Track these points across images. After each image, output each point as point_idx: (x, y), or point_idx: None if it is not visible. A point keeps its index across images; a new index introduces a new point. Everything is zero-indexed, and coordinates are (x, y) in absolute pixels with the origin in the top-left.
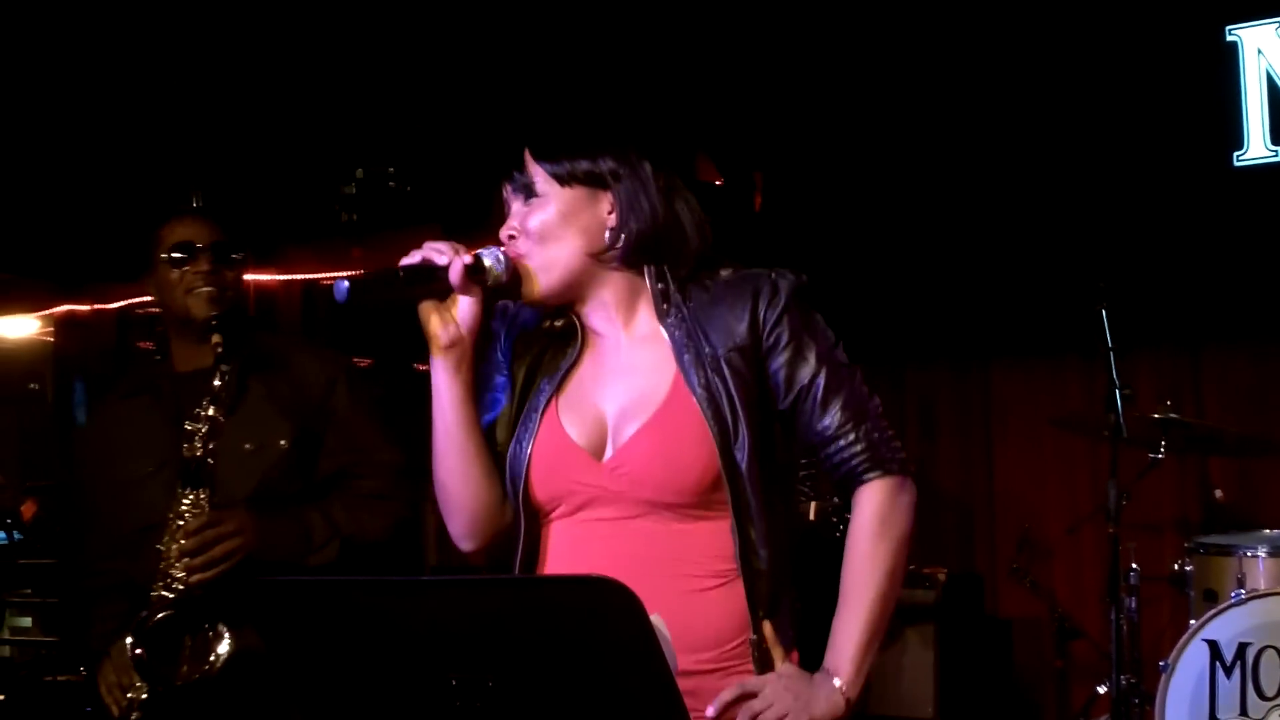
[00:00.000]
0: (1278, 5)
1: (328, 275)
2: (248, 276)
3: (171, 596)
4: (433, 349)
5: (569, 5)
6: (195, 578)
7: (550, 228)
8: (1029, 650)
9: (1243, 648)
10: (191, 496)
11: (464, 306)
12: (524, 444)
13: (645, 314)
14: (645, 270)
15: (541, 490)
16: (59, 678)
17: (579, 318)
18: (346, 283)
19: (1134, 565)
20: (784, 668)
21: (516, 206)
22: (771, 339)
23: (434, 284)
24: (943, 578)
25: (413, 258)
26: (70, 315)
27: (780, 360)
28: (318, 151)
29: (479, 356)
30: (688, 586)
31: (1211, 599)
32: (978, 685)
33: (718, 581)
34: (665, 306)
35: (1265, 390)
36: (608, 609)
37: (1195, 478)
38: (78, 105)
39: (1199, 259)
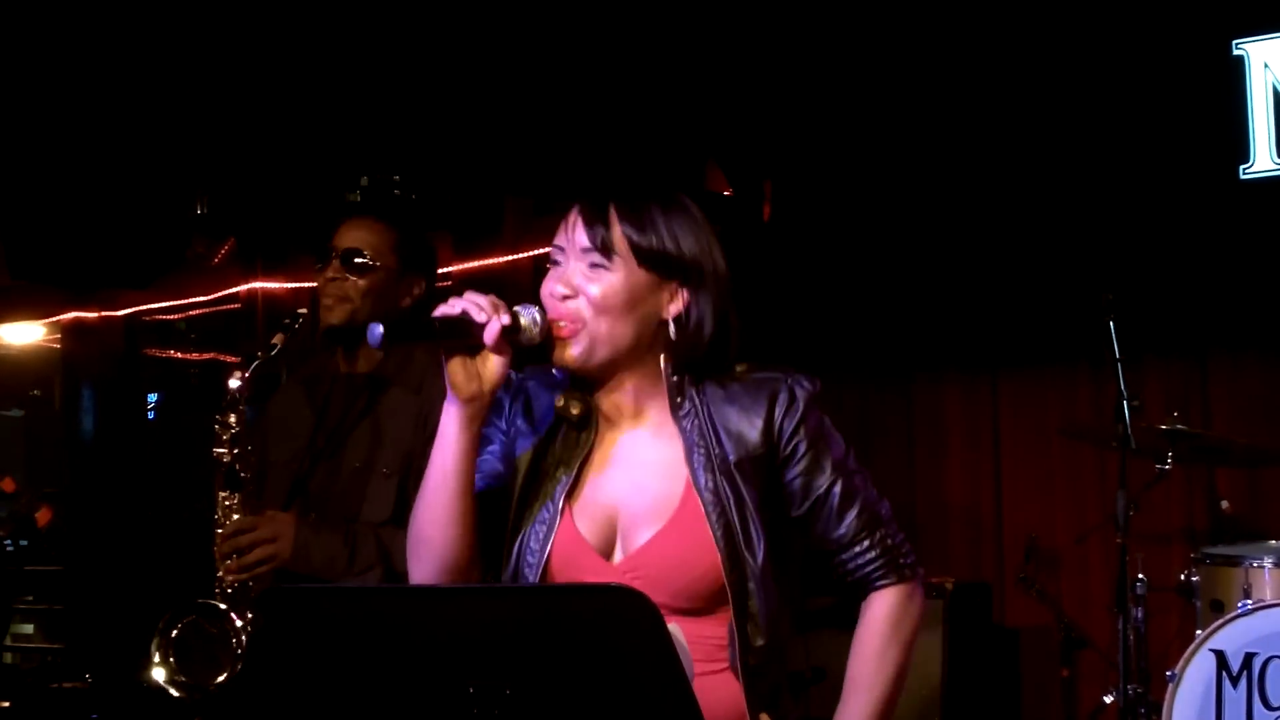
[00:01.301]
0: None
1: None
2: (255, 285)
3: (216, 599)
4: (452, 398)
5: (573, 13)
6: (231, 578)
7: (614, 305)
8: (1036, 659)
9: (1249, 658)
10: (230, 500)
11: (493, 364)
12: (541, 537)
13: (658, 406)
14: (662, 361)
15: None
16: (63, 684)
17: (594, 401)
18: (381, 328)
19: (1141, 575)
20: None
21: (579, 265)
22: (789, 449)
23: (467, 339)
24: (950, 586)
25: (451, 308)
26: (78, 322)
27: (797, 470)
28: (324, 159)
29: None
30: (706, 669)
31: (1218, 609)
32: (984, 694)
33: (717, 667)
34: (680, 400)
35: (1272, 401)
36: (625, 617)
37: (1202, 488)
38: (86, 112)
39: (1206, 271)
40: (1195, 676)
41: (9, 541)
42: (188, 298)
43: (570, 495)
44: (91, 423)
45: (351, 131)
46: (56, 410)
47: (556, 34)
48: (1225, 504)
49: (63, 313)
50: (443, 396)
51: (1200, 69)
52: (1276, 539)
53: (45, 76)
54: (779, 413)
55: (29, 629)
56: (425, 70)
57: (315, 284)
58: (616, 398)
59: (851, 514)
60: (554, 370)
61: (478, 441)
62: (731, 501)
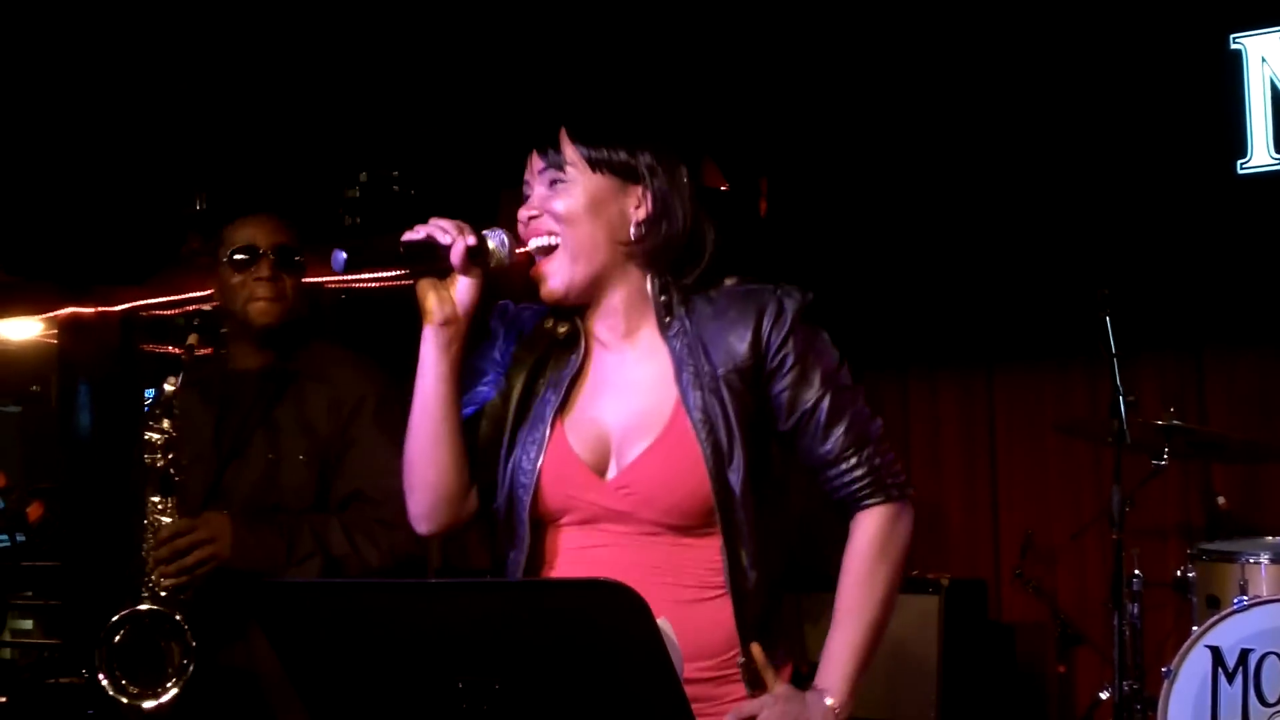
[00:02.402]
0: None
1: (332, 279)
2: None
3: (144, 607)
4: (426, 324)
5: (574, 12)
6: (170, 583)
7: (577, 213)
8: (1032, 655)
9: (1245, 654)
10: (163, 504)
11: (462, 287)
12: (532, 456)
13: (648, 324)
14: (649, 278)
15: (547, 503)
16: (60, 680)
17: (583, 323)
18: (344, 253)
19: (1137, 571)
20: (779, 689)
21: (540, 189)
22: (775, 361)
23: (434, 262)
24: (946, 582)
25: (416, 233)
26: (74, 318)
27: (784, 383)
28: (321, 155)
29: (470, 347)
30: (685, 596)
31: (1214, 605)
32: (981, 690)
33: (712, 594)
34: (668, 319)
35: (1268, 397)
36: (615, 612)
37: (1198, 484)
38: (82, 108)
39: (1202, 266)
40: (1191, 672)
41: (4, 537)
42: (185, 294)
43: (561, 413)
44: (88, 418)
45: (347, 126)
46: (53, 406)
47: (552, 29)
48: (1221, 500)
49: (59, 308)
50: (352, 383)
51: (1198, 63)
52: (1272, 535)
53: (42, 73)
54: (767, 324)
55: (28, 624)
56: (420, 65)
57: (233, 283)
58: (606, 319)
59: (839, 429)
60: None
61: (457, 366)
62: (720, 419)
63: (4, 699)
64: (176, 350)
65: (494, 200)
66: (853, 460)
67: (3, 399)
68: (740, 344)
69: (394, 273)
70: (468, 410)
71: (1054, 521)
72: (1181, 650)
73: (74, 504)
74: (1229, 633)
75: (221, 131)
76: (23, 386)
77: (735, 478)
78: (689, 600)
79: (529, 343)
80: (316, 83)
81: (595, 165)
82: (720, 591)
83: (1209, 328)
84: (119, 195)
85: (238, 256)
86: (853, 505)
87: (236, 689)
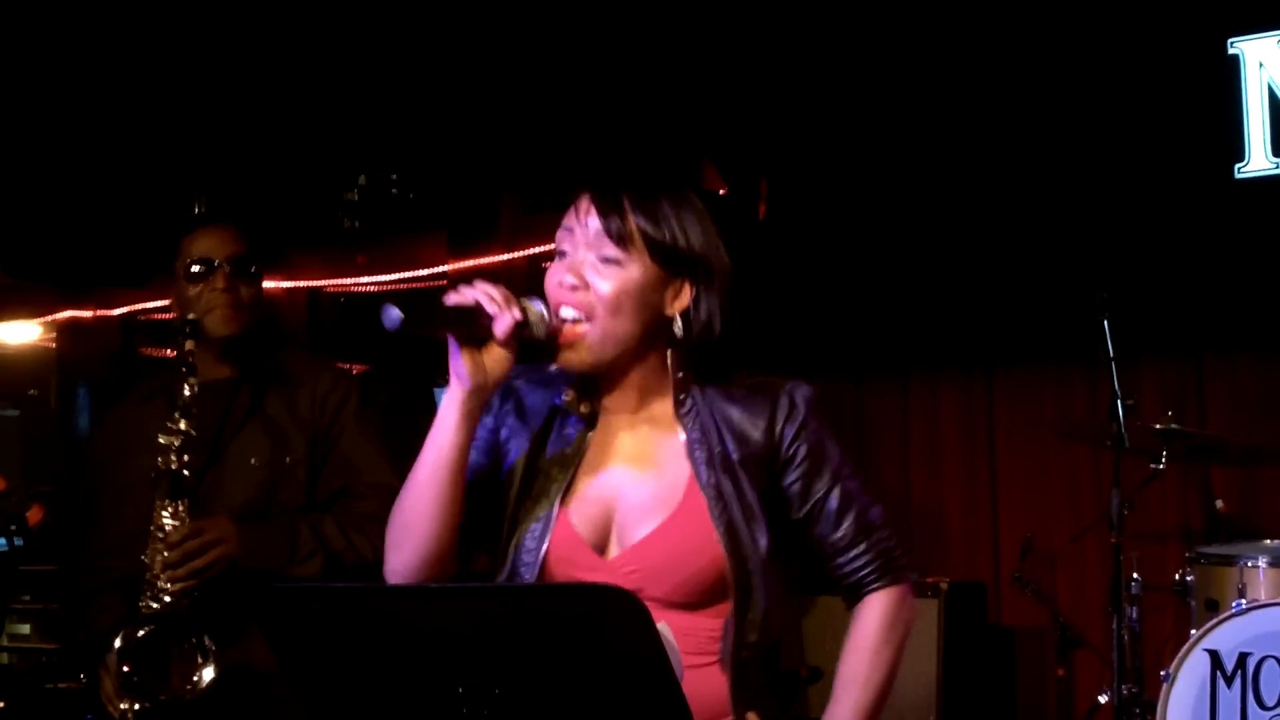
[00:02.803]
0: None
1: (331, 282)
2: None
3: (157, 609)
4: (455, 387)
5: (571, 13)
6: (178, 586)
7: (626, 302)
8: (1031, 659)
9: (1243, 658)
10: (171, 508)
11: (498, 358)
12: (536, 537)
13: (661, 401)
14: (669, 356)
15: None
16: (59, 684)
17: (595, 397)
18: (398, 312)
19: (1136, 575)
20: None
21: (587, 256)
22: (789, 453)
23: (475, 329)
24: (945, 586)
25: (464, 298)
26: (73, 321)
27: (797, 474)
28: (321, 158)
29: None
30: (701, 662)
31: (1213, 609)
32: (980, 694)
33: (706, 660)
34: (684, 398)
35: (1267, 400)
36: (615, 617)
37: (1197, 487)
38: (82, 111)
39: (1201, 270)
40: (1190, 676)
41: (3, 541)
42: None
43: (566, 492)
44: (87, 421)
45: (348, 130)
46: (52, 409)
47: (553, 33)
48: (1220, 503)
49: (58, 311)
50: (332, 383)
51: (1195, 67)
52: (1271, 538)
53: (41, 76)
54: (781, 417)
55: (25, 629)
56: (421, 69)
57: (190, 295)
58: (619, 394)
59: (849, 519)
60: (551, 368)
61: (473, 435)
62: (734, 497)
63: (2, 704)
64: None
65: (494, 203)
66: (862, 546)
67: (2, 402)
68: (755, 432)
69: (394, 276)
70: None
71: (1053, 525)
72: (1180, 654)
73: (72, 507)
74: (1228, 636)
75: (221, 135)
76: (22, 389)
77: (755, 554)
78: (685, 666)
79: (531, 413)
80: (316, 86)
81: (654, 251)
82: (713, 659)
83: (1208, 331)
84: (118, 198)
85: (194, 268)
86: (861, 589)
87: (241, 687)
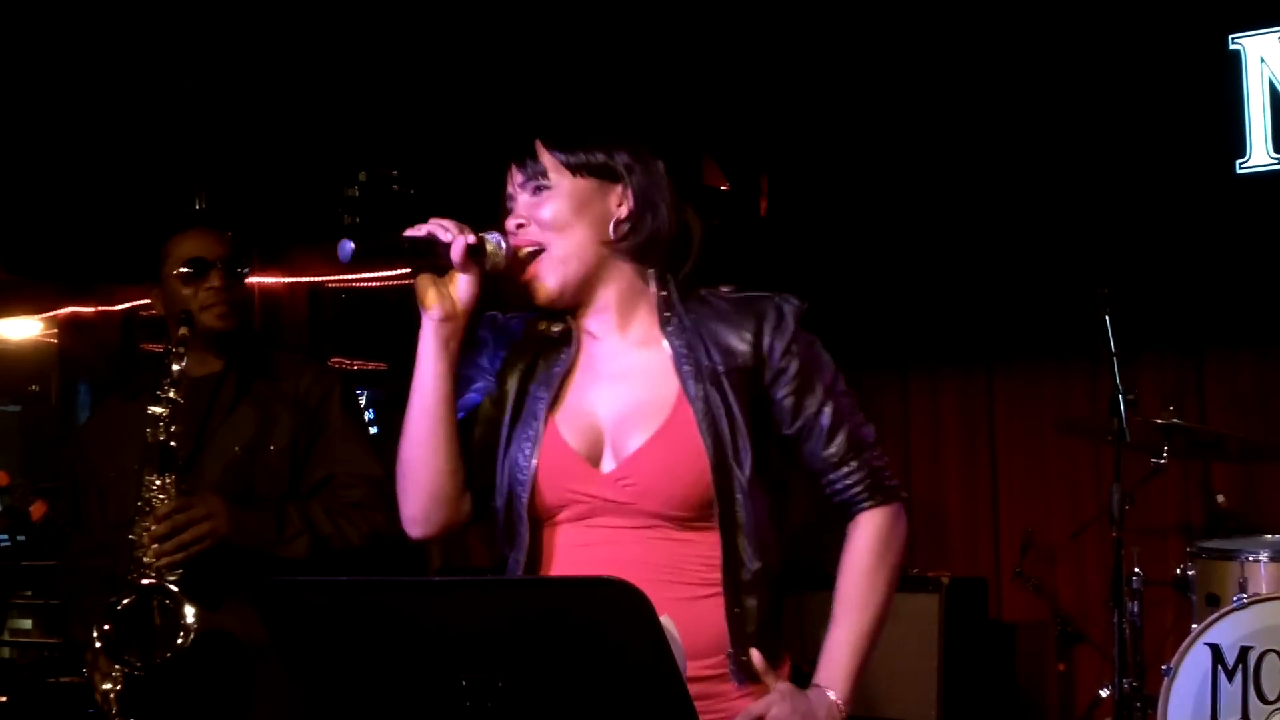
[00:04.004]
0: None
1: (332, 278)
2: (252, 280)
3: (142, 581)
4: (425, 319)
5: (574, 12)
6: (165, 560)
7: (563, 217)
8: (1032, 654)
9: (1244, 652)
10: (160, 482)
11: (462, 283)
12: (527, 453)
13: (644, 319)
14: (649, 274)
15: (545, 499)
16: (61, 679)
17: (575, 321)
18: (351, 244)
19: (1137, 569)
20: (781, 686)
21: (524, 198)
22: (779, 366)
23: (435, 258)
24: (946, 581)
25: (418, 230)
26: (75, 317)
27: (788, 389)
28: (321, 154)
29: (460, 355)
30: (684, 594)
31: (1214, 603)
32: (981, 688)
33: (709, 591)
34: (668, 314)
35: (1267, 395)
36: (618, 610)
37: (1198, 482)
38: (83, 108)
39: (1202, 265)
40: (1191, 670)
41: (4, 537)
42: None
43: (553, 407)
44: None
45: (347, 127)
46: (53, 405)
47: (553, 29)
48: (1221, 498)
49: (60, 308)
50: (317, 376)
51: (1197, 63)
52: (1272, 533)
53: (41, 72)
54: (768, 329)
55: (27, 624)
56: (422, 65)
57: (184, 295)
58: (598, 315)
59: (840, 436)
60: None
61: (455, 364)
62: (722, 410)
63: (4, 698)
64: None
65: (495, 200)
66: (853, 464)
67: (3, 398)
68: (742, 345)
69: (395, 272)
70: (459, 415)
71: (1054, 520)
72: (1181, 648)
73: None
74: (1228, 630)
75: (222, 131)
76: (23, 386)
77: (739, 469)
78: (687, 598)
79: (520, 347)
80: (317, 83)
81: (574, 170)
82: (715, 590)
83: (1208, 327)
84: (119, 195)
85: (187, 269)
86: (853, 508)
87: (226, 660)
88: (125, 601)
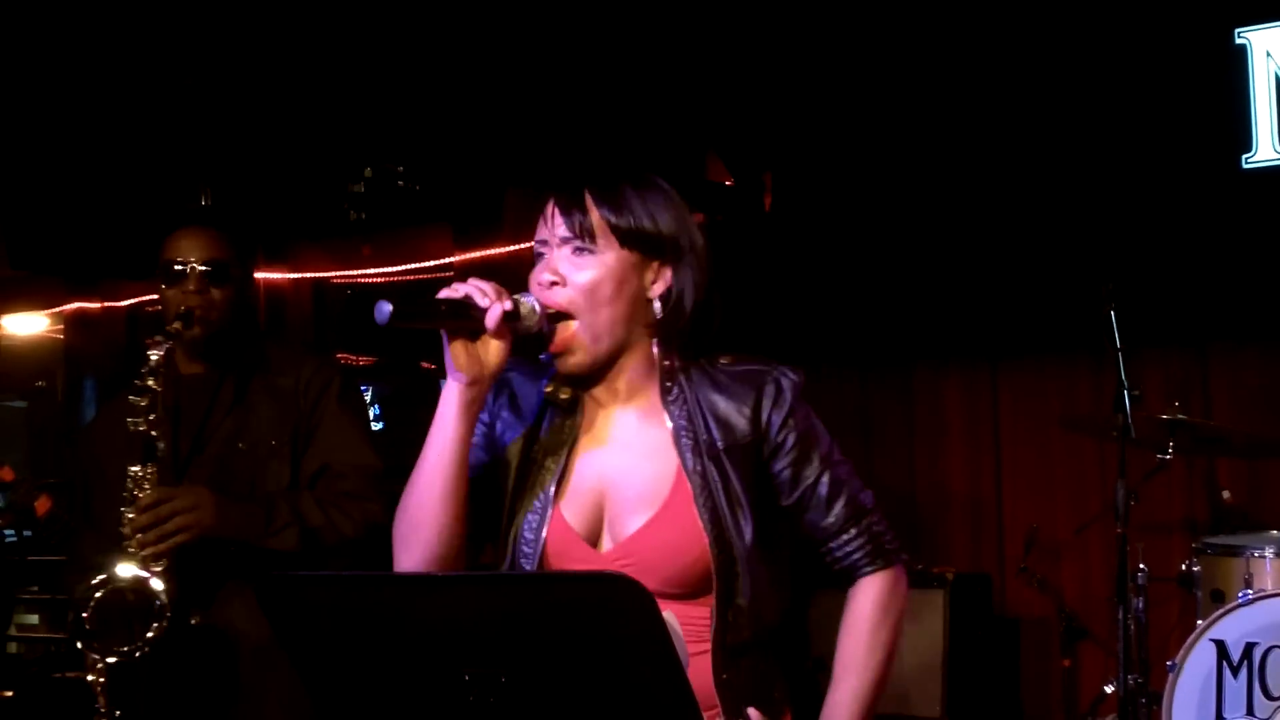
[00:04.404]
0: None
1: (337, 274)
2: (257, 276)
3: (124, 572)
4: (452, 381)
5: (576, 5)
6: (149, 551)
7: (603, 291)
8: (1037, 650)
9: (1250, 648)
10: (142, 472)
11: (493, 349)
12: (535, 527)
13: (648, 390)
14: (656, 345)
15: None
16: (67, 674)
17: (580, 383)
18: (389, 306)
19: (1142, 565)
20: None
21: (562, 253)
22: (778, 440)
23: (468, 322)
24: (951, 577)
25: (455, 292)
26: (81, 313)
27: (786, 461)
28: (327, 150)
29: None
30: (696, 650)
31: (1219, 599)
32: (985, 684)
33: (702, 648)
34: (670, 385)
35: (1273, 391)
36: (620, 605)
37: (1203, 478)
38: (88, 104)
39: (1207, 260)
40: (1196, 666)
41: (11, 532)
42: None
43: (560, 482)
44: (94, 413)
45: (353, 123)
46: (59, 401)
47: (558, 25)
48: (1226, 494)
49: (65, 304)
50: (316, 370)
51: (1202, 58)
52: (1277, 529)
53: (47, 69)
54: (767, 404)
55: (34, 619)
56: (426, 62)
57: (165, 296)
58: (609, 383)
59: (839, 504)
60: (542, 357)
61: (473, 427)
62: (719, 486)
63: (10, 693)
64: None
65: (499, 197)
66: (853, 531)
67: (9, 394)
68: (741, 420)
69: (400, 268)
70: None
71: (1059, 516)
72: (1186, 644)
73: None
74: (1233, 626)
75: (227, 127)
76: (29, 381)
77: (740, 542)
78: (694, 654)
79: (523, 408)
80: (321, 79)
81: (623, 239)
82: (706, 648)
83: (1214, 322)
84: (124, 190)
85: (167, 270)
86: (854, 573)
87: (208, 648)
88: (98, 592)
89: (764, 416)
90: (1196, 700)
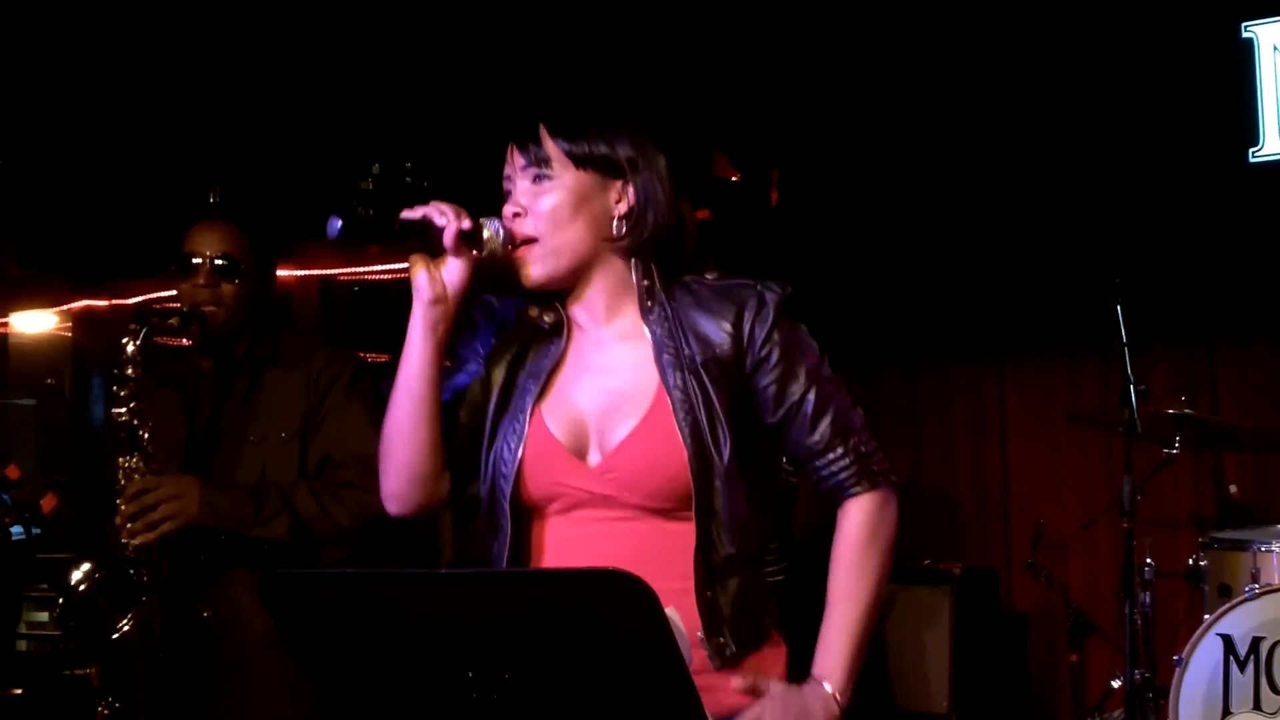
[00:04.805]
0: None
1: (345, 271)
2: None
3: (104, 563)
4: (415, 301)
5: (582, 1)
6: (138, 540)
7: (562, 212)
8: (1044, 645)
9: (1256, 642)
10: (128, 463)
11: (452, 267)
12: (513, 446)
13: (629, 309)
14: (633, 265)
15: (530, 491)
16: (76, 672)
17: (564, 310)
18: (340, 221)
19: (1149, 560)
20: (774, 687)
21: (524, 184)
22: (760, 354)
23: (428, 242)
24: (958, 572)
25: (414, 213)
26: (88, 310)
27: (770, 376)
28: (334, 147)
29: (454, 334)
30: (674, 586)
31: (1226, 594)
32: (993, 680)
33: (685, 569)
34: (649, 304)
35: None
36: (623, 601)
37: (1210, 473)
38: (95, 102)
39: (1214, 255)
40: (1202, 661)
41: (19, 529)
42: None
43: (540, 400)
44: (103, 411)
45: (361, 120)
46: (67, 399)
47: (564, 20)
48: (1233, 489)
49: (73, 301)
50: (327, 361)
51: (1209, 52)
52: None
53: (54, 66)
54: (749, 317)
55: (43, 617)
56: (433, 59)
57: (179, 289)
58: (586, 305)
59: (825, 421)
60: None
61: (443, 348)
62: (699, 400)
63: (19, 690)
64: (187, 343)
65: (506, 193)
66: (839, 449)
67: (18, 391)
68: (721, 335)
69: (406, 264)
70: (445, 396)
71: (1066, 511)
72: (1193, 639)
73: (88, 496)
74: (1240, 621)
75: (234, 124)
76: (37, 379)
77: (718, 457)
78: (677, 589)
79: (510, 334)
80: (329, 75)
81: (578, 162)
82: (690, 567)
83: (1221, 317)
84: (132, 189)
85: (182, 264)
86: (840, 493)
87: (212, 639)
88: (81, 582)
89: (745, 330)
90: (1203, 695)
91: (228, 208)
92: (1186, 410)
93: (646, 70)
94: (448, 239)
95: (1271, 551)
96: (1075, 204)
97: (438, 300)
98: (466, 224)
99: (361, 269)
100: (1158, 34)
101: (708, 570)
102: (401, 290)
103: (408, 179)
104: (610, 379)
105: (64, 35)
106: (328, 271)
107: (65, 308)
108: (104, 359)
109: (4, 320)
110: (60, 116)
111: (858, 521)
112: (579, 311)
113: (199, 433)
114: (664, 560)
